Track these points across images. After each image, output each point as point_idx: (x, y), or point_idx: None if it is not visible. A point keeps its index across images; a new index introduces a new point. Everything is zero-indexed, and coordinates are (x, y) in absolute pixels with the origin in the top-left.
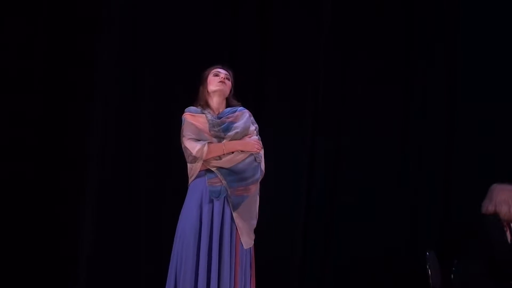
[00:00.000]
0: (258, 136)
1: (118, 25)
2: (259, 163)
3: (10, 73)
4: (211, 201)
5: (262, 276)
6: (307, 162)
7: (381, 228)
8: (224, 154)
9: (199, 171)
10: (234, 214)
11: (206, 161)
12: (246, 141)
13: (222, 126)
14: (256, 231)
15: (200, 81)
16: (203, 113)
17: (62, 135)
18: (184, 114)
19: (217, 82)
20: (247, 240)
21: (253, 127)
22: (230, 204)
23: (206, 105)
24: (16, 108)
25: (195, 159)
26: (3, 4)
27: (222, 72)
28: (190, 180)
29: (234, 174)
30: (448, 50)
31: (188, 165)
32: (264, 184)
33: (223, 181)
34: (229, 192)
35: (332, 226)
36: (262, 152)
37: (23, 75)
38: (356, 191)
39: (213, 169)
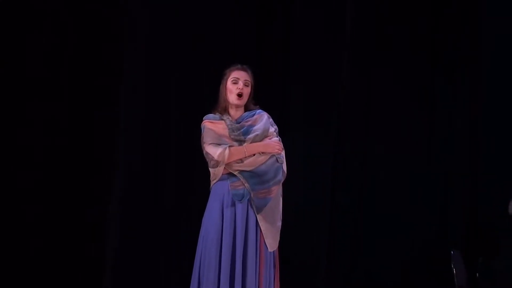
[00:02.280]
0: (279, 137)
1: (144, 33)
2: (281, 164)
3: (41, 82)
4: (233, 204)
5: (286, 277)
6: (332, 165)
7: (408, 228)
8: (245, 157)
9: (222, 175)
10: (259, 217)
11: (228, 165)
12: (267, 143)
13: (242, 130)
14: (280, 233)
15: (220, 80)
16: (222, 119)
17: (89, 140)
18: (203, 122)
19: (235, 94)
20: (271, 243)
21: (273, 129)
22: (254, 207)
23: (224, 112)
24: (46, 116)
25: (217, 163)
26: (30, 17)
27: (241, 79)
28: (212, 184)
29: (256, 177)
30: (473, 55)
31: (211, 170)
32: (290, 187)
33: (246, 184)
34: (252, 195)
35: (358, 227)
36: (283, 153)
37: (51, 83)
38: (381, 193)
39: (235, 172)
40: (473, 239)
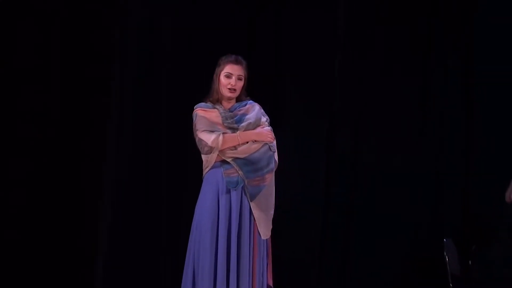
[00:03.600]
0: (270, 127)
1: (136, 22)
2: (274, 152)
3: (29, 72)
4: (228, 191)
5: (281, 274)
6: (326, 163)
7: (403, 224)
8: (239, 144)
9: (215, 162)
10: (252, 205)
11: (221, 152)
12: (260, 131)
13: (235, 118)
14: (274, 226)
15: (214, 68)
16: (215, 108)
17: (80, 132)
18: (195, 110)
19: (228, 88)
20: (264, 231)
21: (264, 119)
22: (248, 195)
23: (216, 102)
24: (35, 107)
25: (211, 149)
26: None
27: (235, 74)
28: (204, 172)
29: (250, 164)
30: (465, 45)
31: (203, 157)
32: (284, 184)
33: (240, 172)
34: (246, 183)
35: (352, 224)
36: (275, 142)
37: (41, 74)
38: (376, 190)
39: (228, 160)
40: (467, 228)
